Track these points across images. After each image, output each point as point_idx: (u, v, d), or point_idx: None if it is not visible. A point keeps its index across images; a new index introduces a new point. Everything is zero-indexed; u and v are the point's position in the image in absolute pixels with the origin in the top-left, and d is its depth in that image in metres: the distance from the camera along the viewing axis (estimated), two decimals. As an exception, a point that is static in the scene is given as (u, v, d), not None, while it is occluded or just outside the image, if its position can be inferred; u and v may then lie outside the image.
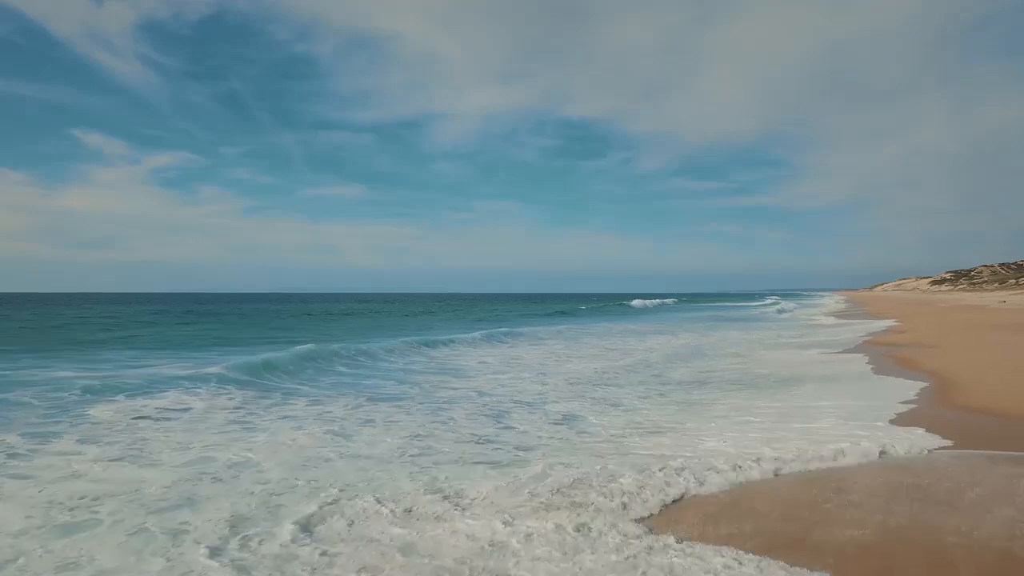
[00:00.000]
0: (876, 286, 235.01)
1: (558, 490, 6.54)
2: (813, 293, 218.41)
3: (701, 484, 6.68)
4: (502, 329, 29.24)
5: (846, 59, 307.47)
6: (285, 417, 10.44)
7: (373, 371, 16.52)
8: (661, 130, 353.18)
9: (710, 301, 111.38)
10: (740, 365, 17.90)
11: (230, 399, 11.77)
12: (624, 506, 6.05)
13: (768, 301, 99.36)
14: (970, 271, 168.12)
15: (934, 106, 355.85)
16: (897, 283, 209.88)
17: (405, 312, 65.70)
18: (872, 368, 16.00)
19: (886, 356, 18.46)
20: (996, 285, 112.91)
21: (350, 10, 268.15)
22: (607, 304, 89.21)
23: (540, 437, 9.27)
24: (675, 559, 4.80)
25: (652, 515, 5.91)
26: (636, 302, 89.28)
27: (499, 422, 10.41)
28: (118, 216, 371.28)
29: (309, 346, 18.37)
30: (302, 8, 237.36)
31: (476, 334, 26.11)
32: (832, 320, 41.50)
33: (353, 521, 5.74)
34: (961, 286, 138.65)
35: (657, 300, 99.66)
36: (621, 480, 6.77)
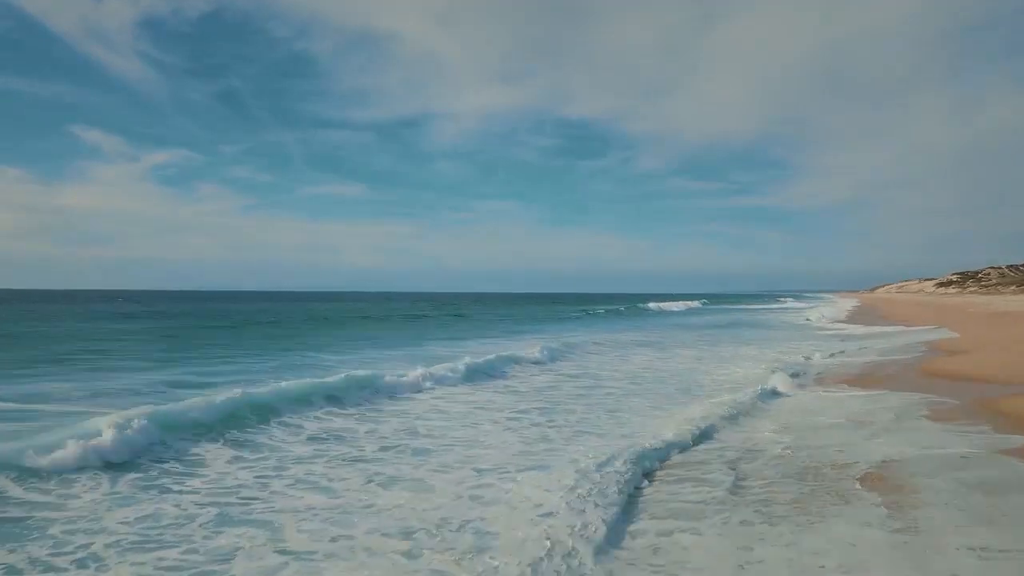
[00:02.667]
0: (877, 287, 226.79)
1: None
2: (817, 295, 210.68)
3: None
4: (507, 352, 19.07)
5: (846, 59, 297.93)
6: None
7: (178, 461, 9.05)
8: (661, 130, 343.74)
9: (726, 303, 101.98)
10: (751, 437, 10.45)
11: None
12: None
13: (778, 305, 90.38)
14: (977, 273, 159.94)
15: (934, 106, 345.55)
16: (900, 285, 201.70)
17: (390, 314, 57.98)
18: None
19: (1014, 417, 10.89)
20: (1013, 288, 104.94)
21: (349, 9, 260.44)
22: (627, 305, 79.44)
23: None
24: None
25: None
26: (653, 304, 79.52)
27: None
28: (117, 213, 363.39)
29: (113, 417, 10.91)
30: (301, 6, 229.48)
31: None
32: (861, 329, 33.89)
33: None
34: (971, 289, 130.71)
35: (681, 302, 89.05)
36: None
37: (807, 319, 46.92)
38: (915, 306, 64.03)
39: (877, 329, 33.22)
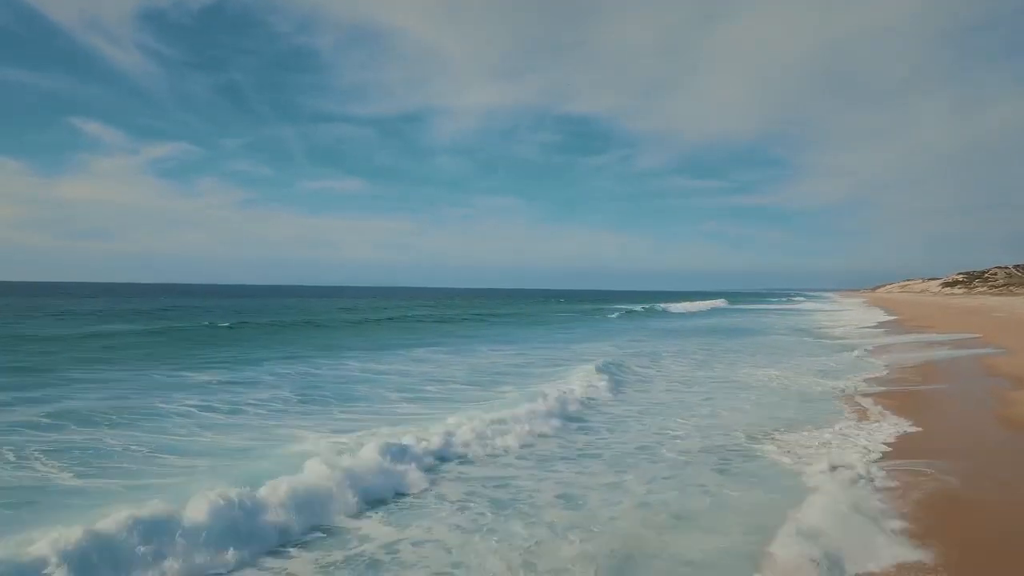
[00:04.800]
0: (879, 287, 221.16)
1: None
2: (818, 293, 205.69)
3: None
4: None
5: (847, 58, 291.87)
6: None
7: None
8: (661, 128, 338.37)
9: (745, 302, 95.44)
10: None
11: None
12: None
13: (797, 305, 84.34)
14: (983, 272, 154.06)
15: (935, 106, 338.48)
16: (902, 284, 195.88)
17: (377, 315, 52.71)
18: None
19: None
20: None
21: (351, 3, 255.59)
22: (645, 305, 71.37)
23: None
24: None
25: None
26: (673, 305, 71.71)
27: None
28: (116, 206, 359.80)
29: None
30: (303, 0, 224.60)
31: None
32: (886, 338, 28.61)
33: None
34: (979, 289, 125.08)
35: (702, 302, 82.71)
36: None
37: (826, 324, 41.45)
38: (930, 307, 58.72)
39: (905, 338, 28.01)
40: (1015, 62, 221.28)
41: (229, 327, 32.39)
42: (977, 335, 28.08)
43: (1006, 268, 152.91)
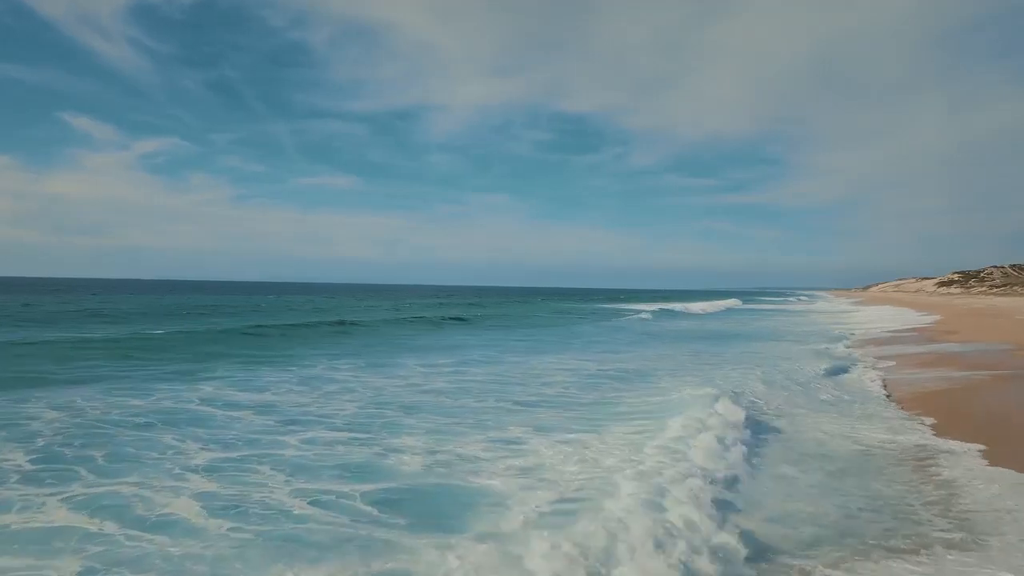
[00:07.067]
0: (871, 286, 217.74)
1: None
2: (813, 292, 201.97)
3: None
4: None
5: (843, 57, 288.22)
6: None
7: None
8: (656, 126, 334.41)
9: (751, 303, 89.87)
10: None
11: None
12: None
13: (793, 306, 79.20)
14: (979, 272, 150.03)
15: (931, 106, 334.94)
16: (896, 283, 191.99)
17: (315, 320, 47.58)
18: None
19: None
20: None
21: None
22: (657, 307, 61.98)
23: None
24: None
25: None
26: (674, 306, 65.30)
27: None
28: (107, 202, 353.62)
29: None
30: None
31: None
32: (912, 347, 23.68)
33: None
34: (978, 289, 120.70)
35: (719, 301, 79.13)
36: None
37: (849, 327, 36.45)
38: (945, 309, 54.06)
39: (935, 348, 23.14)
40: (1011, 62, 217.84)
41: (133, 336, 27.33)
42: (1010, 345, 23.43)
43: (1002, 268, 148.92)
